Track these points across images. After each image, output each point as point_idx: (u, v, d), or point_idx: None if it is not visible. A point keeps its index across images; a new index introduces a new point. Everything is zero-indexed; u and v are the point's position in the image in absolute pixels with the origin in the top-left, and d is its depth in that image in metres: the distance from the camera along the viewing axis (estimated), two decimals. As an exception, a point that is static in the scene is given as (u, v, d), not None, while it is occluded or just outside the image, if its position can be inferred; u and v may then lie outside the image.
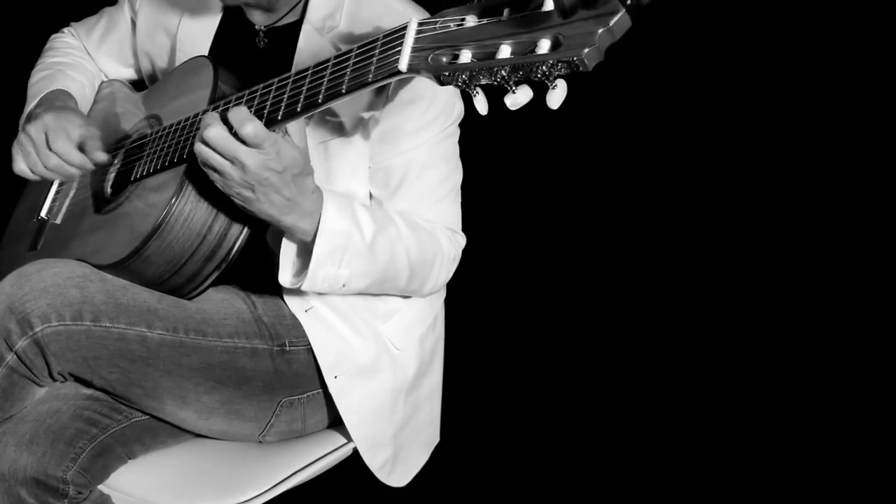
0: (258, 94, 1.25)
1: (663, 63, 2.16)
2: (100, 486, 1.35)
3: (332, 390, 1.41)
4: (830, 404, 2.04)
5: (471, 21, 1.03)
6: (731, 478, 2.00)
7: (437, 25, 1.06)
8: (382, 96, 1.34)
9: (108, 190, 1.46)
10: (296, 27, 1.41)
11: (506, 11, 1.00)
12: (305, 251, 1.29)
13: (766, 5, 2.12)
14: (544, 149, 2.28)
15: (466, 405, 1.89)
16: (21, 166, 1.44)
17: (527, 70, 0.95)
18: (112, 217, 1.41)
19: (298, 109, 1.19)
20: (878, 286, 2.09)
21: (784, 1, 2.11)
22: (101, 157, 1.42)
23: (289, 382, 1.42)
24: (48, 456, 1.27)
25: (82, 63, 1.69)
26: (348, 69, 1.15)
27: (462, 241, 1.47)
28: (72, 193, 1.55)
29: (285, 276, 1.32)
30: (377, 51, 1.12)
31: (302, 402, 1.45)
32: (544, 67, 0.94)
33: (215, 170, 1.20)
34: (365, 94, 1.29)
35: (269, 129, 1.22)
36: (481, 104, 1.02)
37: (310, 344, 1.40)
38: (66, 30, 1.77)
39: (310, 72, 1.19)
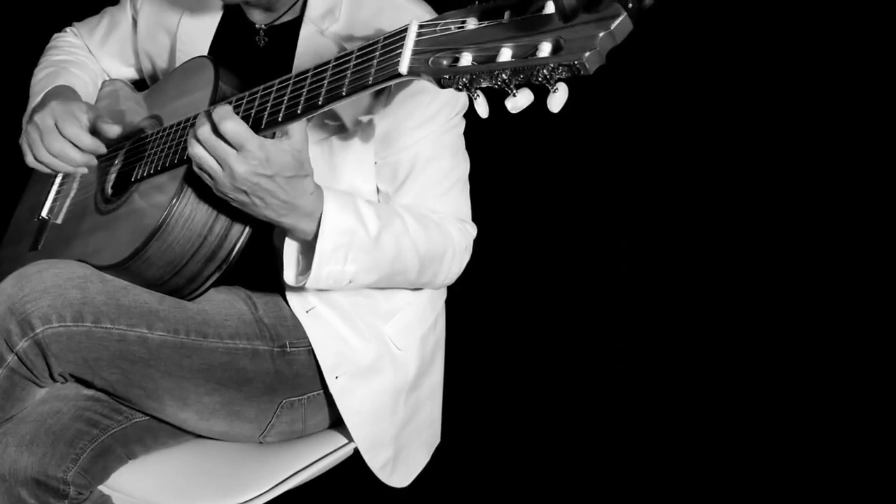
0: (258, 95, 1.24)
1: (665, 66, 2.16)
2: (100, 487, 1.35)
3: (332, 391, 1.41)
4: (830, 405, 2.04)
5: (471, 24, 1.03)
6: (731, 478, 2.00)
7: (438, 28, 1.06)
8: (384, 95, 1.34)
9: (109, 190, 1.46)
10: (295, 25, 1.41)
11: (507, 14, 1.00)
12: (309, 249, 1.29)
13: (766, 8, 2.11)
14: (545, 152, 2.28)
15: (467, 405, 1.89)
16: (29, 157, 1.43)
17: (528, 73, 0.95)
18: (113, 217, 1.41)
19: (299, 111, 1.18)
20: (879, 287, 2.08)
21: (784, 2, 2.11)
22: (115, 129, 1.39)
23: (289, 383, 1.42)
24: (49, 456, 1.27)
25: (85, 62, 1.69)
26: (348, 71, 1.14)
27: (473, 230, 1.47)
28: (73, 193, 1.55)
29: (289, 275, 1.32)
30: (377, 53, 1.11)
31: (303, 402, 1.45)
32: (545, 71, 0.93)
33: (208, 174, 1.21)
34: (365, 95, 1.29)
35: (269, 130, 1.22)
36: (482, 107, 1.01)
37: (310, 345, 1.40)
38: (68, 29, 1.77)
39: (310, 74, 1.19)
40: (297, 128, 1.20)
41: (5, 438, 1.28)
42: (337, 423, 1.47)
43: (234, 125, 1.17)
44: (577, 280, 2.29)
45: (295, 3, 1.43)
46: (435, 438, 1.59)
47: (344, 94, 1.14)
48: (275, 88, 1.23)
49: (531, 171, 2.31)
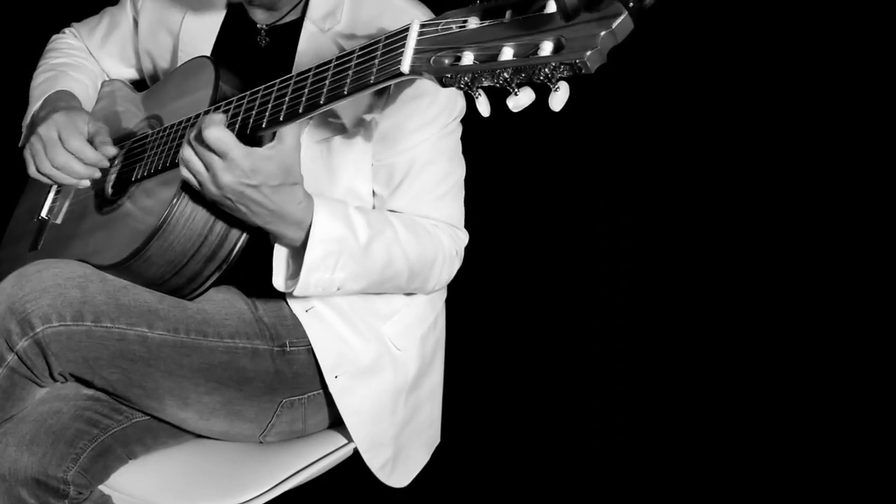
0: (259, 95, 1.24)
1: (666, 65, 2.16)
2: (100, 487, 1.35)
3: (332, 390, 1.40)
4: (830, 405, 2.04)
5: (473, 23, 1.03)
6: (731, 478, 2.00)
7: (440, 27, 1.06)
8: (383, 96, 1.34)
9: (109, 190, 1.46)
10: (297, 25, 1.41)
11: (508, 13, 1.00)
12: (299, 254, 1.29)
13: (766, 6, 2.11)
14: (546, 151, 2.28)
15: (467, 406, 1.89)
16: (32, 168, 1.44)
17: (529, 72, 0.95)
18: (113, 217, 1.41)
19: (300, 111, 1.18)
20: (879, 287, 2.08)
21: (784, 1, 2.11)
22: (111, 150, 1.42)
23: (289, 383, 1.42)
24: (49, 456, 1.27)
25: (85, 64, 1.69)
26: (350, 70, 1.14)
27: (464, 237, 1.47)
28: (72, 194, 1.55)
29: (278, 280, 1.33)
30: (379, 52, 1.12)
31: (303, 402, 1.44)
32: (547, 70, 0.94)
33: (196, 180, 1.22)
34: (366, 95, 1.29)
35: (270, 129, 1.22)
36: (483, 106, 1.02)
37: (310, 344, 1.40)
38: (67, 30, 1.76)
39: (311, 73, 1.19)
40: (289, 132, 1.20)
41: (5, 438, 1.28)
42: (337, 423, 1.47)
43: (216, 132, 1.17)
44: (577, 279, 2.29)
45: (297, 3, 1.43)
46: (435, 438, 1.59)
47: (346, 92, 1.14)
48: (276, 88, 1.23)
49: (532, 170, 2.31)
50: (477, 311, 2.11)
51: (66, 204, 1.55)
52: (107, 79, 1.71)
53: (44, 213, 1.56)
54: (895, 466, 1.95)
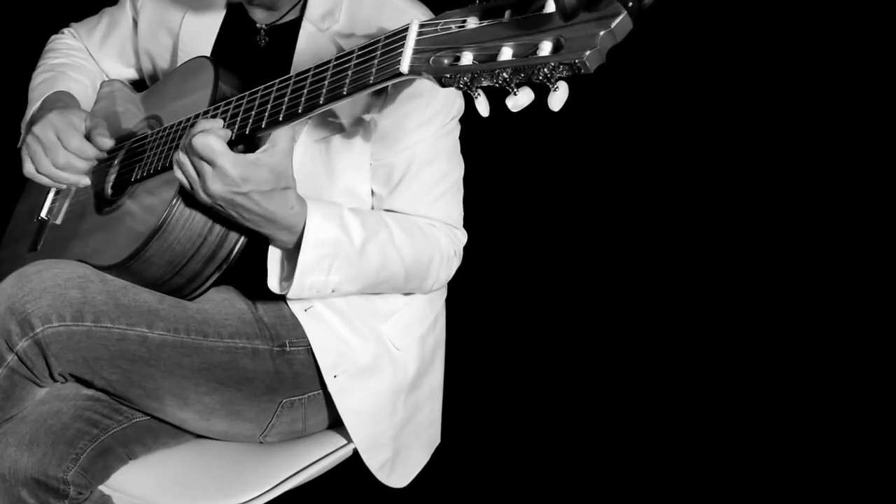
0: (258, 95, 1.25)
1: (665, 65, 2.16)
2: (100, 487, 1.35)
3: (331, 390, 1.40)
4: (830, 405, 2.04)
5: (472, 23, 1.03)
6: (731, 479, 2.00)
7: (439, 27, 1.06)
8: (382, 95, 1.34)
9: (109, 190, 1.46)
10: (296, 25, 1.41)
11: (507, 13, 1.00)
12: (294, 257, 1.29)
13: (766, 6, 2.11)
14: (546, 151, 2.28)
15: (467, 406, 1.89)
16: (29, 168, 1.44)
17: (528, 72, 0.95)
18: (113, 218, 1.41)
19: (299, 111, 1.19)
20: (879, 287, 2.08)
21: (784, 1, 2.11)
22: (108, 143, 1.42)
23: (289, 383, 1.42)
24: (49, 456, 1.27)
25: (84, 64, 1.69)
26: (349, 70, 1.14)
27: (463, 237, 1.47)
28: (72, 194, 1.55)
29: (273, 282, 1.33)
30: (378, 52, 1.12)
31: (303, 402, 1.44)
32: (546, 69, 0.94)
33: (189, 184, 1.23)
34: (364, 95, 1.29)
35: (269, 130, 1.22)
36: (483, 106, 1.02)
37: (310, 344, 1.40)
38: (66, 30, 1.76)
39: (311, 73, 1.19)
40: (283, 135, 1.21)
41: (5, 438, 1.28)
42: (337, 424, 1.47)
43: (204, 140, 1.18)
44: (577, 278, 2.29)
45: (297, 3, 1.43)
46: (435, 439, 1.59)
47: (345, 93, 1.14)
48: (275, 88, 1.23)
49: (531, 170, 2.31)
50: (477, 311, 2.11)
51: (66, 204, 1.55)
52: (106, 79, 1.72)
53: (43, 214, 1.56)
54: (895, 466, 1.95)
